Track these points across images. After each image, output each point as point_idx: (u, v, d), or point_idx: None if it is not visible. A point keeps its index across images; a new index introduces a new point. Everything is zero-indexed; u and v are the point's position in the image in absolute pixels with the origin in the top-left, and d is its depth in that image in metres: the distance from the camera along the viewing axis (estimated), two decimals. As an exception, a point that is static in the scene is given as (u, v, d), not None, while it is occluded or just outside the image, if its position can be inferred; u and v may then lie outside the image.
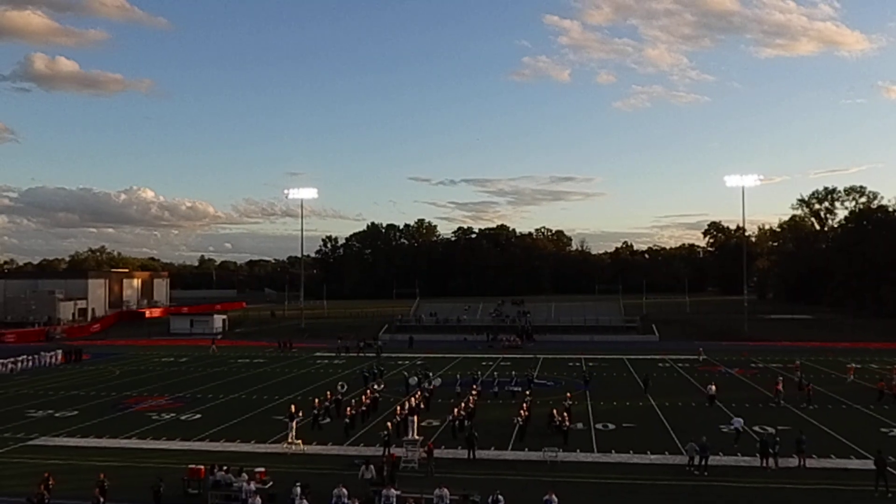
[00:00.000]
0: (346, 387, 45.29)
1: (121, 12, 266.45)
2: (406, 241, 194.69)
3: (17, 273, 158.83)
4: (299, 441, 32.10)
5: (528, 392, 43.79)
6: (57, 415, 41.05)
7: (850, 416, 39.54)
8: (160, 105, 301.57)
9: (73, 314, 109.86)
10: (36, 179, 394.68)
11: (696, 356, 66.60)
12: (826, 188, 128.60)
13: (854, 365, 56.60)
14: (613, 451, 31.59)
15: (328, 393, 42.07)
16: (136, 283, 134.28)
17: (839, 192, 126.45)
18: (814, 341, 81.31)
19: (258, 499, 23.35)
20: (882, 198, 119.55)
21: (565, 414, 34.55)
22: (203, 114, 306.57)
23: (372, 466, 26.27)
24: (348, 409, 37.10)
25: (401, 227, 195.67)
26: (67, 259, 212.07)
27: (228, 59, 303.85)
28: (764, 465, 28.63)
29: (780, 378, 47.75)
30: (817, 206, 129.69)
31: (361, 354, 71.79)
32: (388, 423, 33.21)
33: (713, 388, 43.95)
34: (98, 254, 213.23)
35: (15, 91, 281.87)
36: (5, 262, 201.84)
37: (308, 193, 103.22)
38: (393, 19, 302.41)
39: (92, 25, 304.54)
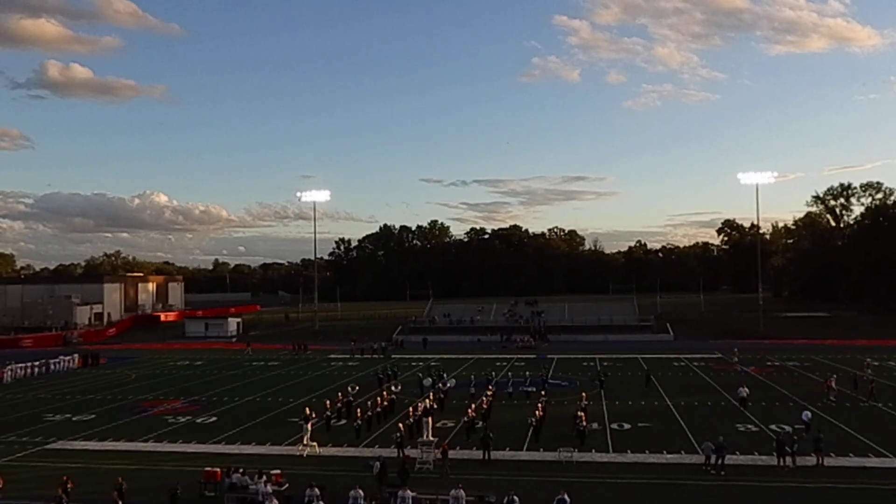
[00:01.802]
0: (357, 388, 45.35)
1: (134, 19, 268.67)
2: (419, 243, 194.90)
3: (34, 278, 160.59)
4: (314, 443, 32.16)
5: (543, 392, 43.67)
6: (74, 419, 41.37)
7: (869, 414, 39.17)
8: (173, 110, 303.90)
9: (90, 318, 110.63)
10: (51, 185, 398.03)
11: (730, 357, 64.08)
12: (841, 184, 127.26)
13: None
14: (629, 451, 31.44)
15: (339, 395, 42.17)
16: (151, 287, 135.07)
17: (855, 188, 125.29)
18: (830, 339, 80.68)
19: (274, 501, 23.42)
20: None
21: (582, 414, 34.46)
22: (215, 118, 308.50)
23: (377, 463, 26.37)
24: (359, 410, 37.13)
25: (413, 228, 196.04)
26: (83, 264, 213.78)
27: (240, 64, 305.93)
28: (781, 463, 28.38)
29: (833, 375, 47.22)
30: (833, 203, 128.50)
31: (376, 356, 71.98)
32: (400, 425, 33.22)
33: (745, 390, 42.46)
34: (113, 258, 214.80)
35: (30, 98, 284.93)
36: (22, 268, 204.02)
37: (321, 196, 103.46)
38: (403, 22, 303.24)
39: (105, 32, 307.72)
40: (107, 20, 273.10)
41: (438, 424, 35.77)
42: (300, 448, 32.09)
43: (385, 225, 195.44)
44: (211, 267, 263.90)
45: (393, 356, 71.00)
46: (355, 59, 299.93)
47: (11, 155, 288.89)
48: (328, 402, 39.61)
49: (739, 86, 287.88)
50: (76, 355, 69.97)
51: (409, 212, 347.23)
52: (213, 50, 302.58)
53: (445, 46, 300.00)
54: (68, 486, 24.52)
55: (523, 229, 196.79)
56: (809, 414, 35.43)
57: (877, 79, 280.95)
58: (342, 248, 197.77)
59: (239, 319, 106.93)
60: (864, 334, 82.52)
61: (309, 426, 33.07)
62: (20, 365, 61.57)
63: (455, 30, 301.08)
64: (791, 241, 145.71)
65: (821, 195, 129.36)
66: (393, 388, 45.78)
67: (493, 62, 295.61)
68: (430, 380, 49.01)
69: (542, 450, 31.69)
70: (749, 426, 36.33)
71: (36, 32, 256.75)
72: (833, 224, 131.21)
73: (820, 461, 28.49)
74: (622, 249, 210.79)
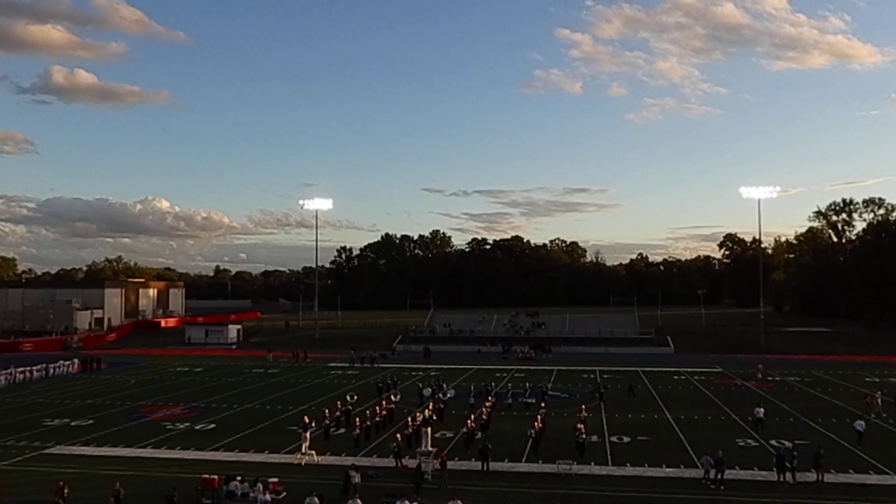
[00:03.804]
0: (356, 397, 45.27)
1: (139, 26, 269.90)
2: (420, 252, 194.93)
3: (36, 282, 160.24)
4: (313, 451, 32.07)
5: (542, 404, 43.56)
6: (72, 424, 41.26)
7: (869, 431, 38.89)
8: (177, 117, 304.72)
9: (90, 323, 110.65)
10: (54, 190, 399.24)
11: (757, 372, 62.56)
12: (844, 200, 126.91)
13: None
14: (628, 465, 31.32)
15: (338, 403, 42.10)
16: (152, 292, 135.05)
17: (857, 203, 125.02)
18: (832, 355, 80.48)
19: (271, 509, 23.36)
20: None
21: (581, 427, 34.37)
22: (219, 125, 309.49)
23: (357, 473, 26.18)
24: (358, 419, 37.03)
25: (415, 237, 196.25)
26: (84, 269, 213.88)
27: (244, 72, 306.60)
28: (781, 479, 28.26)
29: (878, 392, 46.87)
30: (835, 218, 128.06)
31: (375, 365, 71.91)
32: (398, 435, 33.10)
33: (762, 410, 40.07)
34: (114, 263, 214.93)
35: (35, 103, 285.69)
36: (24, 272, 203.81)
37: (323, 204, 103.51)
38: (406, 33, 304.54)
39: (111, 39, 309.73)
40: (113, 27, 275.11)
41: (437, 435, 35.67)
42: (298, 456, 31.98)
43: (387, 234, 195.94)
44: (212, 273, 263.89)
45: (381, 365, 70.70)
46: (358, 68, 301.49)
47: (15, 159, 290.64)
48: (327, 410, 39.53)
49: (741, 100, 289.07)
50: (76, 360, 69.93)
51: (411, 221, 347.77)
52: (217, 58, 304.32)
53: (448, 57, 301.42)
54: (65, 491, 24.46)
55: (525, 240, 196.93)
56: (864, 423, 35.62)
57: (878, 95, 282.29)
58: (343, 256, 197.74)
59: (239, 326, 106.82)
60: (866, 350, 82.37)
61: (307, 434, 32.98)
62: (20, 369, 61.50)
63: (457, 41, 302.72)
64: (793, 255, 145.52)
65: (823, 210, 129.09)
66: (392, 397, 45.75)
67: (496, 74, 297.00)
68: (429, 390, 48.93)
69: (540, 462, 31.57)
70: (749, 441, 36.20)
71: (42, 38, 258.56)
72: (835, 239, 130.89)
73: (820, 477, 28.37)
74: (623, 262, 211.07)
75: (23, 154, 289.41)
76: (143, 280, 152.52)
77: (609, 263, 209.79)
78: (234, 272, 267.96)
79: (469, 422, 36.38)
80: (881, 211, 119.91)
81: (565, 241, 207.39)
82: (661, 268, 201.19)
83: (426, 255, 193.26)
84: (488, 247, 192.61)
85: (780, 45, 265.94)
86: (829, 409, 45.53)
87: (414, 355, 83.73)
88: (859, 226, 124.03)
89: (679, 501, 26.26)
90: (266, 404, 48.27)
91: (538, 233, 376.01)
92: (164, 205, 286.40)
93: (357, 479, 26.15)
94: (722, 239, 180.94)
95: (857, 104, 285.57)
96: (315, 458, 31.71)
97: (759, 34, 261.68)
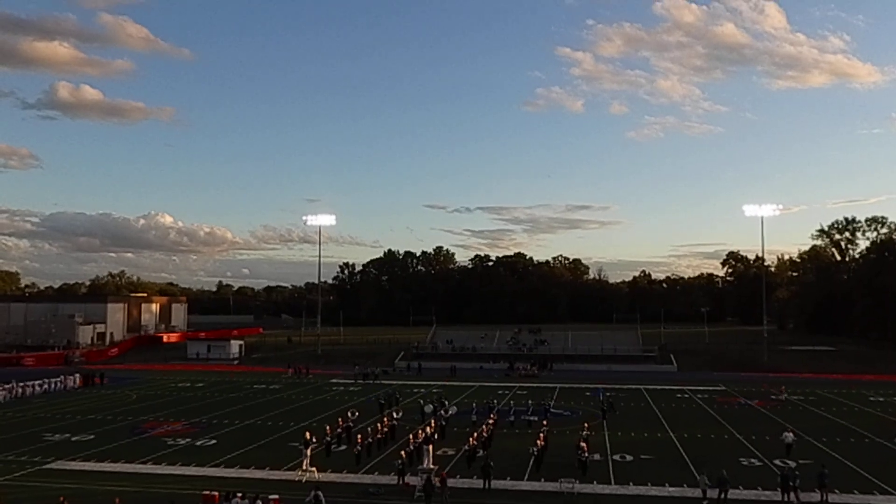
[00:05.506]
0: (357, 414, 45.10)
1: (145, 43, 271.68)
2: (423, 269, 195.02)
3: (38, 297, 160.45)
4: (314, 468, 31.93)
5: (545, 422, 43.36)
6: (73, 439, 41.18)
7: (874, 451, 38.75)
8: (181, 133, 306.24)
9: (92, 338, 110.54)
10: (58, 205, 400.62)
11: (776, 394, 61.19)
12: (846, 218, 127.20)
13: None
14: (631, 484, 31.11)
15: (340, 420, 41.95)
16: (155, 307, 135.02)
17: (860, 222, 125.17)
18: (835, 373, 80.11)
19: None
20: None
21: (584, 445, 34.20)
22: (222, 141, 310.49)
23: (319, 493, 25.95)
24: (359, 436, 36.89)
25: (418, 254, 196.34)
26: (87, 283, 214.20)
27: (248, 89, 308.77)
28: (785, 499, 28.06)
29: None
30: (838, 237, 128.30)
31: (376, 382, 71.66)
32: (402, 452, 32.96)
33: (790, 435, 38.19)
34: (117, 278, 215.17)
35: (40, 119, 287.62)
36: (27, 286, 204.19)
37: (326, 220, 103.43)
38: (408, 53, 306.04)
39: (117, 56, 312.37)
40: (119, 44, 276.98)
41: (439, 452, 35.52)
42: (299, 473, 31.86)
43: (389, 250, 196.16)
44: (215, 288, 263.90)
45: (383, 381, 70.44)
46: (361, 87, 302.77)
47: (20, 174, 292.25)
48: (328, 427, 39.37)
49: (742, 119, 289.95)
50: (78, 375, 69.80)
51: (413, 237, 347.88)
52: (222, 75, 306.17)
53: (450, 75, 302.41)
54: (65, 507, 24.35)
55: (527, 257, 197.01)
56: None
57: (880, 114, 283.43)
58: (346, 272, 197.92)
59: (241, 342, 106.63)
60: (870, 369, 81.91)
61: (308, 451, 32.86)
62: (21, 383, 61.40)
63: (459, 60, 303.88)
64: (796, 273, 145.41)
65: (826, 229, 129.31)
66: (394, 414, 45.56)
67: (498, 91, 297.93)
68: (431, 406, 48.74)
69: (543, 480, 31.38)
70: (752, 460, 35.98)
71: (48, 54, 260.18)
72: (838, 258, 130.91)
73: (824, 497, 28.16)
74: (626, 279, 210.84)
75: (27, 169, 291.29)
76: (145, 295, 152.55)
77: (612, 281, 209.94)
78: (236, 287, 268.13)
79: (471, 439, 36.19)
80: (884, 230, 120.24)
81: (568, 258, 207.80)
82: (664, 285, 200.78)
83: (429, 272, 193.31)
84: (491, 263, 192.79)
85: (780, 64, 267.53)
86: (833, 429, 45.26)
87: (439, 372, 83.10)
88: (862, 244, 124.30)
89: (682, 521, 26.06)
90: (267, 420, 48.12)
91: (540, 250, 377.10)
92: (168, 220, 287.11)
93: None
94: (725, 257, 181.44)
95: (858, 123, 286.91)
96: (316, 474, 31.54)
97: (759, 53, 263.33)
